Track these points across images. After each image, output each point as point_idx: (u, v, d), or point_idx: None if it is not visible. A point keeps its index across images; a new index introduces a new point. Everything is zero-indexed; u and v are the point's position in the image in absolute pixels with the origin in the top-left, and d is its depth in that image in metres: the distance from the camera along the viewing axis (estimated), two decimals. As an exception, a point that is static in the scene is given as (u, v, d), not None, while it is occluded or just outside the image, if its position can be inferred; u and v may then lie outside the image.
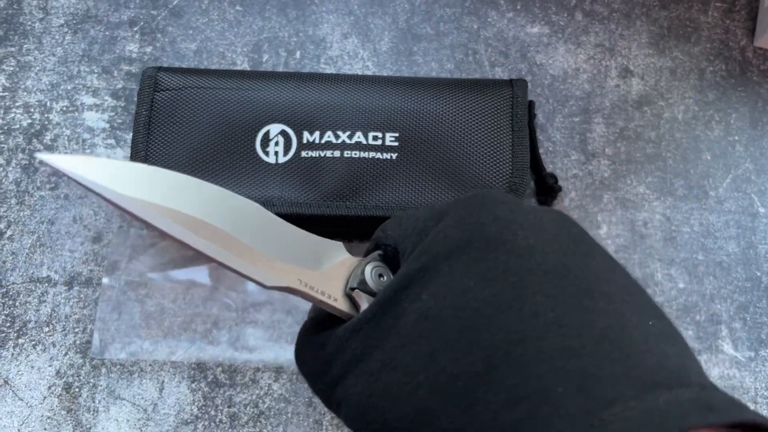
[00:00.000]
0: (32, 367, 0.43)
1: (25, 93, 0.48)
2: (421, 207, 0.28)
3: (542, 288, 0.22)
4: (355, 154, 0.42)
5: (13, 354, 0.43)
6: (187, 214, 0.25)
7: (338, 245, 0.29)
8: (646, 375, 0.20)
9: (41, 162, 0.27)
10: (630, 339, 0.21)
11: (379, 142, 0.43)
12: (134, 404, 0.42)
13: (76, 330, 0.43)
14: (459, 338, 0.22)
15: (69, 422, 0.41)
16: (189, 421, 0.42)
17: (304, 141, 0.43)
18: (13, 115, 0.48)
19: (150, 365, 0.43)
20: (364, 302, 0.27)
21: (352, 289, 0.27)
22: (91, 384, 0.42)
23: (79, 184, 0.23)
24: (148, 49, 0.50)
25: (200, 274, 0.44)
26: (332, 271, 0.28)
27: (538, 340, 0.20)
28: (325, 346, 0.26)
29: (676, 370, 0.21)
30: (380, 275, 0.28)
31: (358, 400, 0.24)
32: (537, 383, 0.20)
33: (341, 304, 0.28)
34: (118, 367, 0.43)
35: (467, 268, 0.23)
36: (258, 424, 0.42)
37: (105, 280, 0.44)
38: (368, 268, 0.28)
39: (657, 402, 0.19)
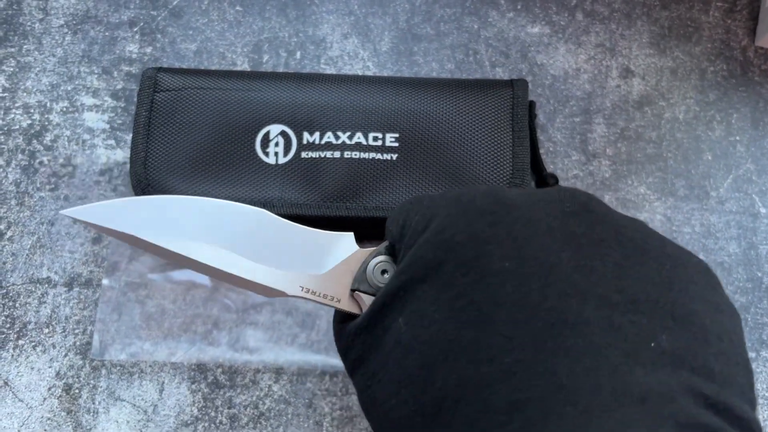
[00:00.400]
0: (32, 368, 0.43)
1: (24, 94, 0.48)
2: (422, 197, 0.27)
3: (504, 327, 0.20)
4: (356, 154, 0.42)
5: (13, 355, 0.43)
6: (191, 258, 0.28)
7: (348, 237, 0.29)
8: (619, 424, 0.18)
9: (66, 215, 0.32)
10: (594, 389, 0.19)
11: (380, 142, 0.43)
12: (134, 405, 0.42)
13: (76, 331, 0.43)
14: (419, 375, 0.21)
15: (69, 423, 0.41)
16: (189, 422, 0.42)
17: (304, 142, 0.43)
18: (12, 115, 0.48)
19: (150, 366, 0.43)
20: (365, 303, 0.27)
21: (353, 290, 0.28)
22: (91, 385, 0.42)
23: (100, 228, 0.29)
24: (148, 50, 0.50)
25: (200, 275, 0.44)
26: (339, 269, 0.28)
27: (487, 389, 0.19)
28: (341, 339, 0.27)
29: (637, 426, 0.18)
30: (383, 271, 0.28)
31: (361, 396, 0.25)
32: None
33: (345, 305, 0.28)
34: (118, 368, 0.43)
35: (437, 295, 0.22)
36: (258, 425, 0.41)
37: (105, 281, 0.44)
38: (371, 265, 0.28)
39: None
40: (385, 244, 0.29)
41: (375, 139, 0.43)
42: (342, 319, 0.28)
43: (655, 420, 0.18)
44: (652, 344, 0.20)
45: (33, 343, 0.43)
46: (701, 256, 0.45)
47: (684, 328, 0.21)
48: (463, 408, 0.20)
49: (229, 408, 0.42)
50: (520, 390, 0.19)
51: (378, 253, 0.28)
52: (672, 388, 0.19)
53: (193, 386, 0.42)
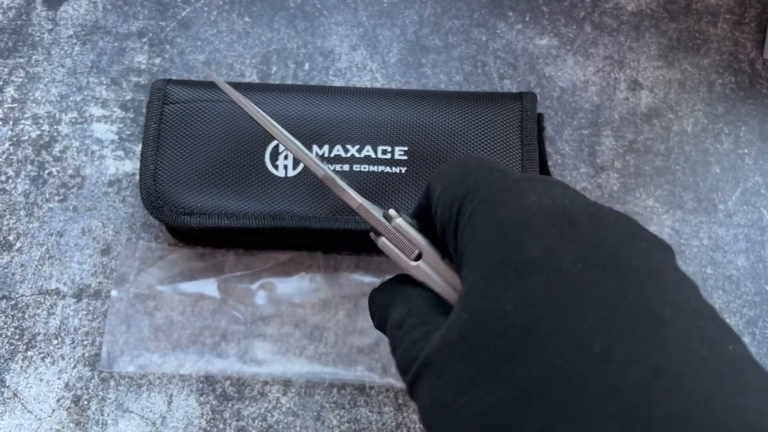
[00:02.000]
0: (41, 379, 0.43)
1: (34, 104, 0.49)
2: (462, 162, 0.27)
3: (588, 317, 0.20)
4: (365, 168, 0.42)
5: (22, 366, 0.43)
6: None
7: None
8: (705, 420, 0.18)
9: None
10: (693, 375, 0.19)
11: (389, 155, 0.43)
12: (143, 417, 0.42)
13: (85, 343, 0.43)
14: (496, 370, 0.21)
15: (78, 435, 0.41)
16: (197, 434, 0.42)
17: (314, 155, 0.43)
18: (22, 126, 0.48)
19: (158, 378, 0.43)
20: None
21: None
22: (99, 397, 0.42)
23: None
24: (157, 61, 0.50)
25: (209, 286, 0.44)
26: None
27: (579, 378, 0.19)
28: (416, 343, 0.26)
29: (748, 415, 0.18)
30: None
31: (422, 404, 0.24)
32: (573, 425, 0.18)
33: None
34: (126, 379, 0.43)
35: (505, 290, 0.22)
36: (266, 437, 0.42)
37: (114, 293, 0.44)
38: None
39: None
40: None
41: (384, 152, 0.43)
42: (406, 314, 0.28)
43: (764, 407, 0.18)
44: (730, 347, 0.20)
45: (42, 355, 0.43)
46: (709, 270, 0.45)
47: (743, 345, 0.21)
48: (554, 398, 0.19)
49: (237, 420, 0.42)
50: (616, 376, 0.19)
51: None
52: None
53: (202, 398, 0.42)
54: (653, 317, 0.20)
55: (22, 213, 0.46)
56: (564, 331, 0.20)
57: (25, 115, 0.48)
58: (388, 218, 0.30)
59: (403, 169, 0.43)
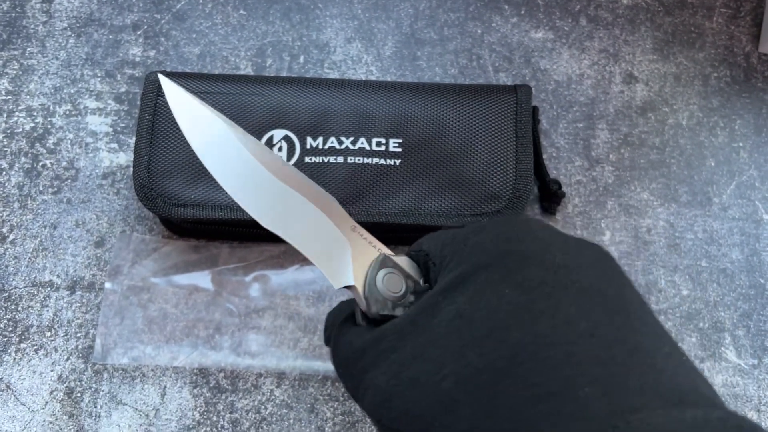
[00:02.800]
0: (34, 371, 0.43)
1: (28, 96, 0.48)
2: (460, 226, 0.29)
3: (577, 302, 0.23)
4: (359, 160, 0.42)
5: (15, 359, 0.43)
6: None
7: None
8: (677, 391, 0.20)
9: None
10: (661, 357, 0.21)
11: (383, 148, 0.43)
12: (136, 409, 0.42)
13: (79, 335, 0.43)
14: (488, 335, 0.22)
15: (71, 427, 0.41)
16: (191, 426, 0.41)
17: (308, 147, 0.43)
18: (16, 118, 0.48)
19: (152, 370, 0.43)
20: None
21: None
22: (93, 389, 0.42)
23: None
24: (152, 53, 0.50)
25: (203, 279, 0.44)
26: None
27: (568, 345, 0.21)
28: (362, 335, 0.27)
29: (704, 394, 0.21)
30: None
31: (385, 387, 0.25)
32: (562, 383, 0.20)
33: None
34: (120, 372, 0.43)
35: (504, 277, 0.24)
36: (260, 430, 0.41)
37: (107, 285, 0.44)
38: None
39: (684, 415, 0.19)
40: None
41: (378, 144, 0.43)
42: (347, 319, 0.29)
43: (706, 382, 0.22)
44: (684, 358, 0.23)
45: (35, 347, 0.43)
46: (704, 263, 0.45)
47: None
48: (544, 360, 0.21)
49: (230, 413, 0.42)
50: (600, 348, 0.21)
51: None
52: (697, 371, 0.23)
53: (195, 390, 0.42)
54: (630, 311, 0.23)
55: (15, 205, 0.46)
56: (556, 308, 0.22)
57: (19, 107, 0.48)
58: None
59: (398, 161, 0.43)
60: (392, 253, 0.30)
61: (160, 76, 0.32)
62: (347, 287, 0.29)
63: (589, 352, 0.21)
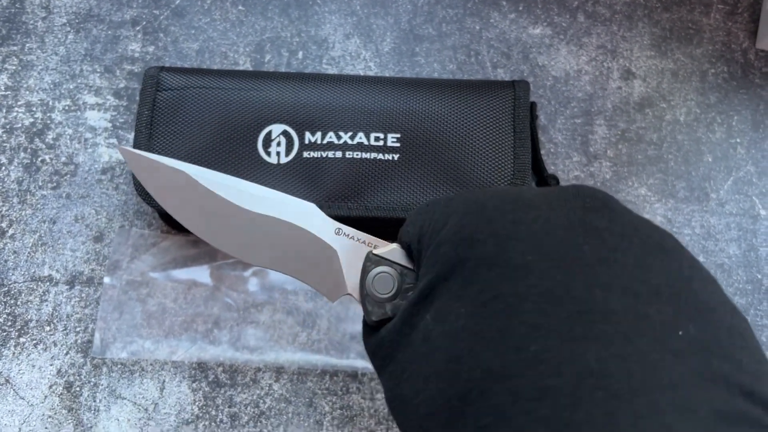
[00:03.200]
0: (33, 366, 0.43)
1: (27, 92, 0.49)
2: (437, 200, 0.27)
3: (530, 316, 0.20)
4: (357, 154, 0.43)
5: (14, 353, 0.43)
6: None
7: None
8: (628, 422, 0.18)
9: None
10: (623, 373, 0.19)
11: (381, 142, 0.43)
12: (135, 404, 0.42)
13: (78, 329, 0.43)
14: (445, 368, 0.22)
15: (70, 421, 0.41)
16: (190, 420, 0.42)
17: (306, 141, 0.43)
18: (15, 114, 0.48)
19: (151, 365, 0.43)
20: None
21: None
22: (92, 383, 0.42)
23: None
24: (151, 49, 0.50)
25: (201, 273, 0.44)
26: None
27: (514, 378, 0.19)
28: (371, 337, 0.27)
29: (671, 413, 0.18)
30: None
31: (389, 396, 0.25)
32: (506, 427, 0.19)
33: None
34: (119, 366, 0.43)
35: (460, 291, 0.22)
36: (258, 424, 0.42)
37: (106, 280, 0.44)
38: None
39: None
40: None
41: (377, 139, 0.43)
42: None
43: (689, 406, 0.18)
44: (680, 332, 0.20)
45: (34, 341, 0.43)
46: (701, 258, 0.46)
47: (709, 321, 0.21)
48: (491, 398, 0.20)
49: (229, 407, 0.42)
50: (548, 376, 0.19)
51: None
52: (705, 376, 0.19)
53: (194, 385, 0.42)
54: (596, 311, 0.20)
55: (15, 200, 0.46)
56: (505, 332, 0.20)
57: (19, 103, 0.48)
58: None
59: (396, 156, 0.43)
60: (384, 243, 0.29)
61: (120, 148, 0.32)
62: (349, 295, 0.29)
63: (535, 384, 0.19)
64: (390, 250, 0.29)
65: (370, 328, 0.28)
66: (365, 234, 0.30)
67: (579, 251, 0.22)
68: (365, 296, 0.28)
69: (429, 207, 0.27)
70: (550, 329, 0.20)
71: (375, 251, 0.29)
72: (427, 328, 0.23)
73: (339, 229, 0.30)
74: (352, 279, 0.29)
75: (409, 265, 0.28)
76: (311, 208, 0.30)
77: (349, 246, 0.29)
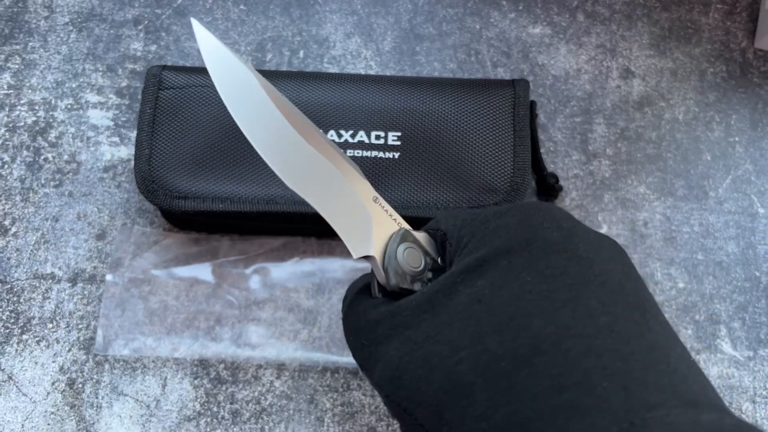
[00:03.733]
0: (36, 363, 0.43)
1: (30, 91, 0.49)
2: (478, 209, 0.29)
3: (598, 295, 0.23)
4: (358, 153, 0.43)
5: (17, 350, 0.43)
6: None
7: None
8: (690, 392, 0.20)
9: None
10: (675, 357, 0.22)
11: (382, 141, 0.43)
12: (137, 400, 0.42)
13: (80, 326, 0.44)
14: (509, 323, 0.22)
15: (72, 418, 0.42)
16: (191, 417, 0.42)
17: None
18: (18, 112, 0.48)
19: (153, 362, 0.43)
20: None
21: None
22: (94, 380, 0.43)
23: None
24: (153, 48, 0.50)
25: (203, 271, 0.44)
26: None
27: (589, 338, 0.21)
28: (378, 308, 0.27)
29: (714, 397, 0.21)
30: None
31: (397, 363, 0.25)
32: (582, 376, 0.20)
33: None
34: (121, 363, 0.43)
35: (527, 264, 0.24)
36: (260, 420, 0.42)
37: (109, 277, 0.44)
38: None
39: (699, 417, 0.19)
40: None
41: (377, 137, 0.43)
42: (363, 290, 0.29)
43: (709, 386, 0.22)
44: (692, 360, 0.23)
45: (37, 338, 0.43)
46: (700, 256, 0.46)
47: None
48: (566, 351, 0.21)
49: (231, 403, 0.42)
50: (620, 343, 0.21)
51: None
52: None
53: (196, 381, 0.43)
54: (646, 310, 0.23)
55: (17, 198, 0.46)
56: (577, 301, 0.22)
57: (21, 101, 0.48)
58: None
59: (397, 155, 0.43)
60: (411, 228, 0.30)
61: (194, 21, 0.31)
62: (366, 258, 0.29)
63: (609, 346, 0.21)
64: (421, 235, 0.29)
65: (378, 300, 0.28)
66: (398, 214, 0.30)
67: (622, 267, 0.25)
68: (390, 263, 0.28)
69: (466, 210, 0.29)
70: (616, 309, 0.22)
71: (408, 230, 0.29)
72: (480, 293, 0.24)
73: (377, 197, 0.30)
74: (378, 245, 0.29)
75: (434, 254, 0.29)
76: (357, 170, 0.31)
77: (382, 216, 0.30)
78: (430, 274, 0.28)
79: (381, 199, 0.30)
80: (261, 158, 0.41)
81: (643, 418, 0.18)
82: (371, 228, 0.29)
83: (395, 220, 0.30)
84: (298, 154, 0.30)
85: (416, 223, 0.31)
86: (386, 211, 0.30)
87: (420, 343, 0.24)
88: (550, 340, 0.21)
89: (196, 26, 0.31)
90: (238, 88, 0.30)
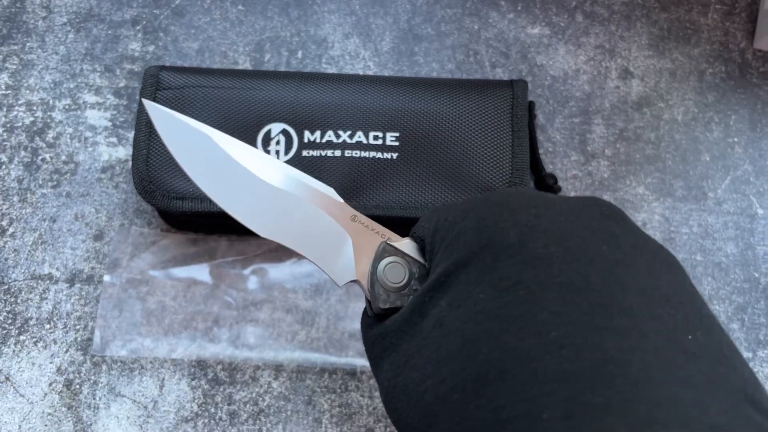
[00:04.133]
0: (33, 363, 0.43)
1: (27, 91, 0.49)
2: (454, 201, 0.27)
3: (551, 303, 0.21)
4: (356, 153, 0.43)
5: (14, 351, 0.43)
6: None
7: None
8: (645, 410, 0.18)
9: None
10: (640, 364, 0.19)
11: (380, 141, 0.43)
12: (135, 401, 0.42)
13: (77, 327, 0.44)
14: (460, 350, 0.21)
15: (69, 419, 0.42)
16: (189, 418, 0.42)
17: (305, 140, 0.43)
18: (15, 113, 0.48)
19: (150, 362, 0.43)
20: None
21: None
22: (91, 381, 0.42)
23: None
24: (151, 48, 0.50)
25: (201, 272, 0.44)
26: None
27: (534, 361, 0.20)
28: (373, 328, 0.27)
29: (685, 407, 0.18)
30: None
31: (387, 386, 0.25)
32: (524, 406, 0.19)
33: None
34: (118, 364, 0.43)
35: (481, 276, 0.23)
36: (258, 421, 0.42)
37: (106, 278, 0.44)
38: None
39: None
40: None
41: (375, 138, 0.43)
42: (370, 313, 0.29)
43: (702, 402, 0.18)
44: (690, 336, 0.20)
45: (34, 339, 0.43)
46: (699, 257, 0.46)
47: (712, 332, 0.21)
48: (509, 379, 0.20)
49: (228, 404, 0.42)
50: (568, 361, 0.19)
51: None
52: (713, 378, 0.20)
53: (193, 382, 0.43)
54: (614, 305, 0.21)
55: (15, 198, 0.46)
56: (526, 317, 0.21)
57: (19, 102, 0.48)
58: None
59: (395, 155, 0.43)
60: (396, 236, 0.30)
61: (145, 101, 0.32)
62: (353, 281, 0.29)
63: (554, 367, 0.19)
64: (403, 243, 0.29)
65: (372, 320, 0.28)
66: (380, 225, 0.30)
67: (598, 250, 0.22)
68: (374, 283, 0.28)
69: (445, 206, 0.27)
70: (571, 318, 0.20)
71: (389, 242, 0.29)
72: (441, 314, 0.23)
73: (355, 215, 0.30)
74: (362, 266, 0.29)
75: (421, 260, 0.28)
76: (330, 191, 0.30)
77: (363, 233, 0.29)
78: (417, 285, 0.28)
79: (360, 216, 0.30)
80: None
81: None
82: (351, 252, 0.29)
83: (377, 233, 0.30)
84: (263, 197, 0.30)
85: (412, 224, 0.31)
86: (367, 226, 0.30)
87: (401, 368, 0.24)
88: (496, 369, 0.20)
89: (149, 105, 0.31)
90: (190, 146, 0.30)
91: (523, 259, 0.22)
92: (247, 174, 0.30)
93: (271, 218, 0.30)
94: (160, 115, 0.31)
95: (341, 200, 0.30)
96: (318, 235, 0.29)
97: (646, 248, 0.23)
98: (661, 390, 0.18)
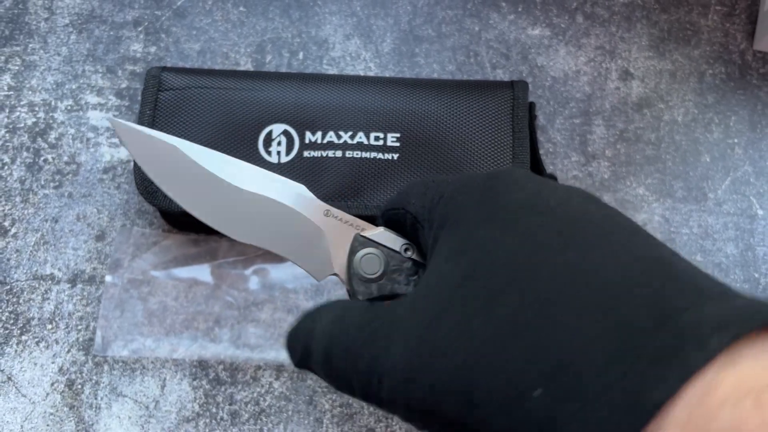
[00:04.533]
0: (35, 363, 0.43)
1: (30, 92, 0.49)
2: (447, 176, 0.28)
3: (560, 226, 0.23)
4: (357, 154, 0.43)
5: (16, 351, 0.43)
6: None
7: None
8: (711, 289, 0.20)
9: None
10: (683, 265, 0.22)
11: (381, 142, 0.43)
12: (136, 401, 0.42)
13: (79, 327, 0.44)
14: (508, 285, 0.22)
15: (71, 419, 0.42)
16: (190, 418, 0.42)
17: (307, 141, 0.43)
18: (18, 113, 0.48)
19: (152, 362, 0.43)
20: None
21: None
22: (93, 381, 0.43)
23: None
24: (152, 49, 0.50)
25: (202, 272, 0.45)
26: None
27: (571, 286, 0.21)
28: (368, 324, 0.25)
29: (723, 287, 0.21)
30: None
31: (404, 366, 0.23)
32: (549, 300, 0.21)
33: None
34: (120, 364, 0.43)
35: (504, 230, 0.24)
36: (259, 421, 0.42)
37: (108, 278, 0.44)
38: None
39: (735, 303, 0.19)
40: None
41: (376, 138, 0.43)
42: (335, 321, 0.28)
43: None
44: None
45: (36, 339, 0.43)
46: (699, 258, 0.46)
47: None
48: (580, 298, 0.21)
49: (230, 404, 0.42)
50: (647, 247, 0.23)
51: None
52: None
53: (195, 382, 0.43)
54: (612, 237, 0.24)
55: (17, 199, 0.46)
56: (550, 260, 0.22)
57: (21, 103, 0.49)
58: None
59: (396, 156, 0.43)
60: (370, 226, 0.30)
61: (110, 119, 0.32)
62: (333, 275, 0.29)
63: (646, 240, 0.23)
64: (377, 233, 0.29)
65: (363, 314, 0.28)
66: (353, 216, 0.30)
67: (599, 209, 0.25)
68: (351, 276, 0.28)
69: (434, 182, 0.28)
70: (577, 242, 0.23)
71: (363, 233, 0.29)
72: (465, 271, 0.24)
73: (328, 210, 0.30)
74: (339, 259, 0.29)
75: (396, 248, 0.29)
76: (301, 188, 0.31)
77: (337, 227, 0.30)
78: (410, 263, 0.28)
79: (333, 210, 0.30)
80: (259, 160, 0.41)
81: (677, 320, 0.19)
82: (327, 247, 0.29)
83: (352, 225, 0.30)
84: (236, 203, 0.30)
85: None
86: (341, 220, 0.30)
87: (424, 337, 0.24)
88: (560, 287, 0.22)
89: (111, 121, 0.32)
90: (157, 158, 0.31)
91: (539, 210, 0.24)
92: (216, 180, 0.30)
93: (245, 222, 0.30)
94: (127, 130, 0.31)
95: (313, 196, 0.31)
96: (293, 234, 0.30)
97: (621, 222, 0.26)
98: (711, 280, 0.21)
